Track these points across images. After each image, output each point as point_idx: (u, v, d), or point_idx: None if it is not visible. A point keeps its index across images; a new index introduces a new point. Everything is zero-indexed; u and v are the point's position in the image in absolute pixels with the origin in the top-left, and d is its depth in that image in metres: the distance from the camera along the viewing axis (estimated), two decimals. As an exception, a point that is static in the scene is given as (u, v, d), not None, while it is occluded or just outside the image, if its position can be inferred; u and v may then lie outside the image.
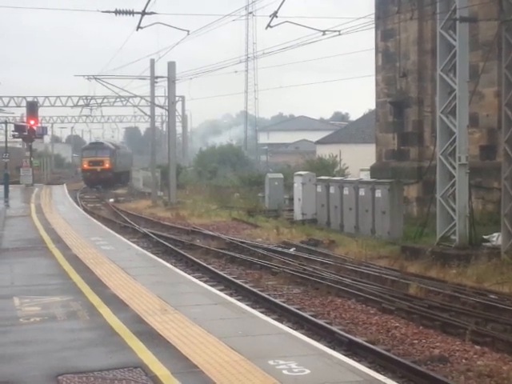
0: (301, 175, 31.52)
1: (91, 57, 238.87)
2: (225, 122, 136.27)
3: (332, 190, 27.94)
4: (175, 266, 17.12)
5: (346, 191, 26.87)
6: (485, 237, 20.43)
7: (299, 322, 13.28)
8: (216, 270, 19.05)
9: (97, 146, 66.32)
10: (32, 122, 50.33)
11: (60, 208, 32.80)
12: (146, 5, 22.24)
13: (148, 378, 7.50)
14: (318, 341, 10.65)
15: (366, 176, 33.98)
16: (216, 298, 11.88)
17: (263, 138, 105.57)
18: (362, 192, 25.81)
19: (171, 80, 43.68)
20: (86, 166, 62.83)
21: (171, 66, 43.69)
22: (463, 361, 10.88)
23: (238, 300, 13.19)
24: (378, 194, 24.83)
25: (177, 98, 52.65)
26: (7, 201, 37.54)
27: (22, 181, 51.82)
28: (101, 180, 60.14)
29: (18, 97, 71.36)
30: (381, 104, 30.71)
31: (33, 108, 51.37)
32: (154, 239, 25.85)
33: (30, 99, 62.87)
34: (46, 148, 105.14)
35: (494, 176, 23.23)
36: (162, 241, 25.12)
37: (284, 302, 14.98)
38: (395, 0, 27.63)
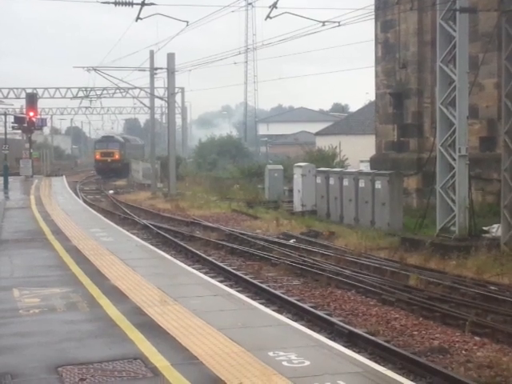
0: (300, 166, 31.50)
1: (90, 48, 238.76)
2: (224, 114, 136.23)
3: (332, 181, 27.92)
4: (175, 258, 17.10)
5: (345, 182, 26.86)
6: (484, 228, 20.45)
7: (299, 314, 13.29)
8: (216, 262, 19.05)
9: (108, 139, 71.32)
10: (31, 114, 50.24)
11: (60, 199, 32.77)
12: (146, -4, 22.23)
13: (148, 370, 7.50)
14: (318, 332, 10.66)
15: (365, 167, 33.95)
16: (216, 290, 11.88)
17: (263, 130, 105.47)
18: (361, 183, 25.80)
19: (170, 71, 43.59)
20: (98, 156, 68.19)
21: (170, 57, 43.61)
22: (463, 352, 10.89)
23: (238, 291, 13.20)
24: (378, 185, 24.82)
25: (176, 90, 52.52)
26: (7, 192, 37.50)
27: (21, 172, 51.73)
28: (111, 169, 65.37)
29: (17, 88, 71.33)
30: (380, 95, 30.67)
31: (32, 100, 51.28)
32: (153, 231, 25.85)
33: (29, 91, 62.78)
34: (45, 140, 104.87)
35: (493, 167, 23.24)
36: (161, 232, 25.12)
37: (284, 294, 14.98)
38: (395, -9, 27.59)
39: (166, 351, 8.11)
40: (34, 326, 9.43)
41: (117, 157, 67.08)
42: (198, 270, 15.80)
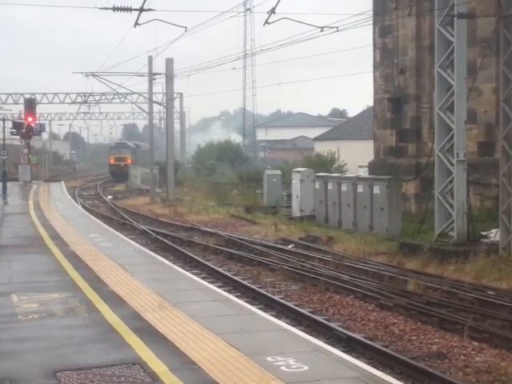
0: (299, 172, 31.53)
1: (89, 54, 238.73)
2: (222, 119, 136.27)
3: (330, 186, 27.94)
4: (173, 263, 17.10)
5: (344, 188, 26.88)
6: (483, 233, 20.46)
7: (297, 319, 13.30)
8: (214, 267, 19.06)
9: (121, 145, 79.38)
10: (30, 119, 50.26)
11: (58, 205, 32.77)
12: (144, 1, 22.28)
13: (146, 375, 7.50)
14: (317, 337, 10.67)
15: (364, 172, 33.97)
16: (214, 295, 11.88)
17: (261, 135, 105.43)
18: (360, 188, 25.83)
19: (169, 77, 43.64)
20: (112, 161, 74.56)
21: (169, 62, 43.65)
22: (461, 357, 10.89)
23: (237, 297, 13.20)
24: (376, 190, 24.84)
25: (175, 95, 52.59)
26: (5, 198, 37.50)
27: (20, 178, 51.67)
28: (123, 173, 69.19)
29: (15, 94, 71.43)
30: (379, 100, 30.70)
31: (31, 105, 51.32)
32: (152, 236, 25.86)
33: (27, 96, 62.90)
34: (43, 145, 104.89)
35: (492, 172, 23.25)
36: (160, 238, 25.12)
37: (282, 299, 14.99)
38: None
39: (164, 356, 8.11)
40: (32, 332, 9.43)
41: (129, 161, 71.64)
42: (196, 275, 15.80)
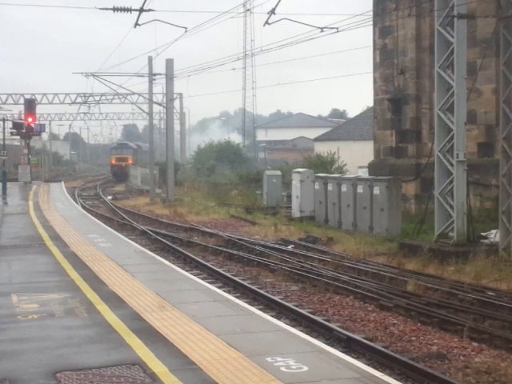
0: (299, 172, 31.53)
1: (89, 54, 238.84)
2: (222, 119, 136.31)
3: (330, 187, 27.94)
4: (173, 264, 17.10)
5: (344, 188, 26.88)
6: (483, 234, 20.46)
7: (297, 319, 13.29)
8: (214, 267, 19.05)
9: (122, 145, 79.92)
10: (30, 120, 50.32)
11: (58, 205, 32.77)
12: (144, 2, 22.30)
13: (146, 375, 7.50)
14: (316, 338, 10.67)
15: (364, 173, 34.00)
16: (214, 295, 11.88)
17: (261, 135, 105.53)
18: (360, 189, 25.83)
19: (169, 77, 43.64)
20: (113, 161, 75.83)
21: (169, 63, 43.66)
22: (461, 358, 10.88)
23: (236, 297, 13.20)
24: (376, 191, 24.84)
25: (175, 96, 52.60)
26: (5, 198, 37.50)
27: (20, 178, 51.71)
28: (125, 173, 70.33)
29: (15, 94, 71.54)
30: (379, 101, 30.71)
31: (31, 105, 51.37)
32: (152, 236, 25.85)
33: (27, 96, 62.97)
34: (43, 145, 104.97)
35: (491, 173, 23.27)
36: (160, 238, 25.12)
37: (282, 299, 14.98)
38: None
39: (164, 357, 8.11)
40: (32, 332, 9.42)
41: (130, 162, 72.63)
42: (196, 275, 15.80)
